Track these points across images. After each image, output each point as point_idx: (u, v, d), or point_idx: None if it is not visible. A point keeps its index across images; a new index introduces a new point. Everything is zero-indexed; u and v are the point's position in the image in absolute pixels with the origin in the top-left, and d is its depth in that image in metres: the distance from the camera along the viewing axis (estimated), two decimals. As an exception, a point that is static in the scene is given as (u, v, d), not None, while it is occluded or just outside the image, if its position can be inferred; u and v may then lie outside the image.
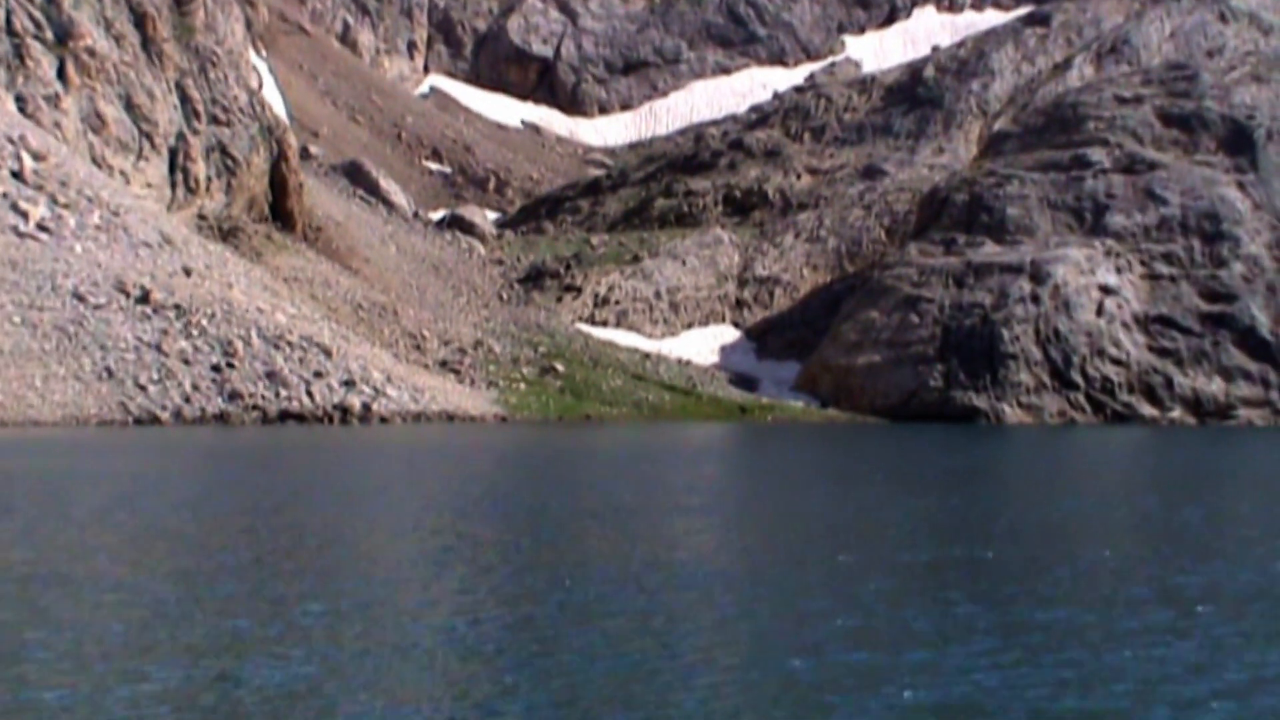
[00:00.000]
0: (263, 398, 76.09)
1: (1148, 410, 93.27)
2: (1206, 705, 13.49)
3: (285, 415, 75.61)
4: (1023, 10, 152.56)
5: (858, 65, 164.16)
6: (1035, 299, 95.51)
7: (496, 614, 17.87)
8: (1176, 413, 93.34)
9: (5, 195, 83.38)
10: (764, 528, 29.03)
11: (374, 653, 15.25)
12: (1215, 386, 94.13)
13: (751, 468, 51.42)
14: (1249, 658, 15.70)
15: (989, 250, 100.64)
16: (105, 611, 17.36)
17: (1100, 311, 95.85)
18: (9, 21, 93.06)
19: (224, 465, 47.54)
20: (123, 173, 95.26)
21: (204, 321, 79.35)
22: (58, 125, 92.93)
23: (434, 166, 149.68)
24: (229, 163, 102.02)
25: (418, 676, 14.26)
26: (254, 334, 79.89)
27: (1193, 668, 15.08)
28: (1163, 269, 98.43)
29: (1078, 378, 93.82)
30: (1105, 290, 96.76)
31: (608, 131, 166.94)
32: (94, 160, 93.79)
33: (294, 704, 12.94)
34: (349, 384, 79.39)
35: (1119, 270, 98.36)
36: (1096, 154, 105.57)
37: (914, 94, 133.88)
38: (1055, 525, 30.51)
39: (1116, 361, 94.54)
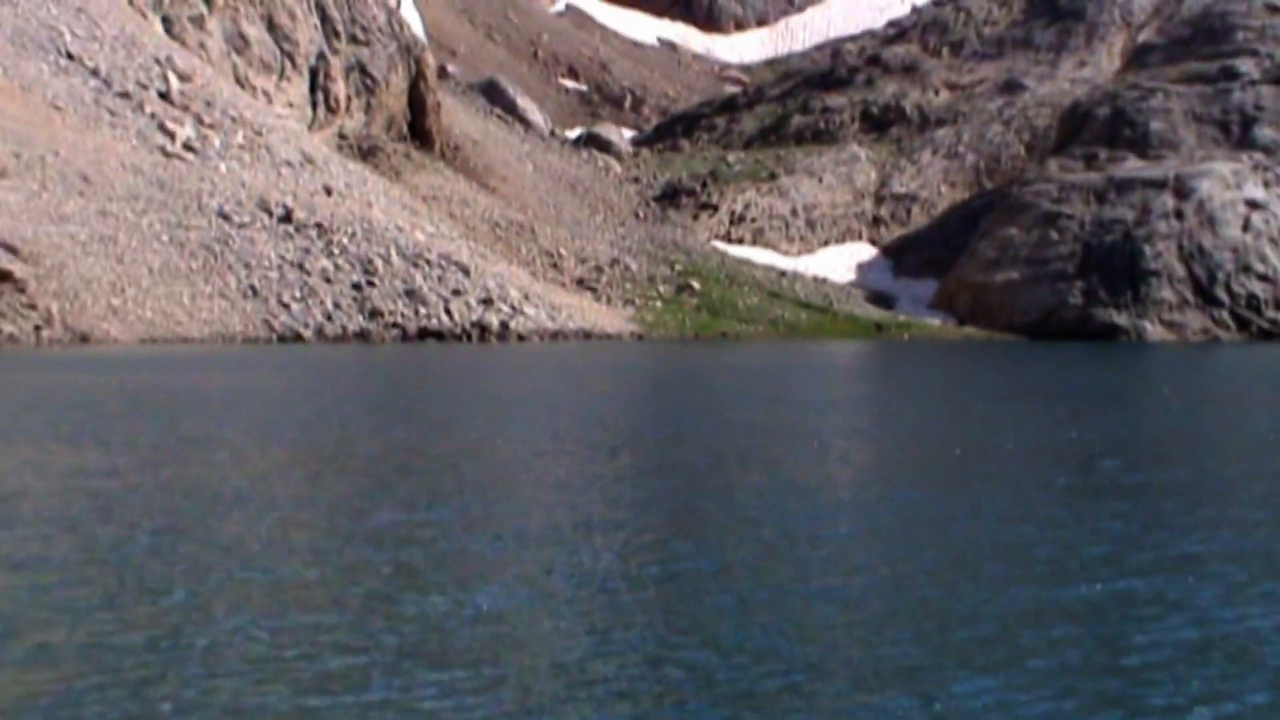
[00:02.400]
0: (402, 315, 76.95)
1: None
2: None
3: (424, 333, 76.43)
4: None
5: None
6: (1179, 215, 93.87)
7: (674, 539, 17.54)
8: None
9: (153, 116, 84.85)
10: (937, 449, 28.26)
11: (555, 583, 15.22)
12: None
13: (904, 386, 50.52)
14: None
15: (1131, 165, 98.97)
16: (289, 532, 17.71)
17: (1246, 227, 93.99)
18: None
19: (377, 382, 48.16)
20: (265, 93, 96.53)
21: (344, 240, 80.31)
22: (202, 46, 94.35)
23: (570, 84, 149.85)
24: (368, 82, 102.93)
25: (597, 604, 14.24)
26: (393, 252, 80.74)
27: None
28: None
29: (1222, 294, 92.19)
30: (1252, 205, 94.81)
31: (744, 48, 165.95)
32: (237, 80, 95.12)
33: (473, 635, 12.93)
34: (487, 302, 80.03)
35: (1266, 184, 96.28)
36: (1245, 65, 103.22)
37: (1055, 6, 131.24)
38: (1251, 443, 29.61)
39: (1263, 278, 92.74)
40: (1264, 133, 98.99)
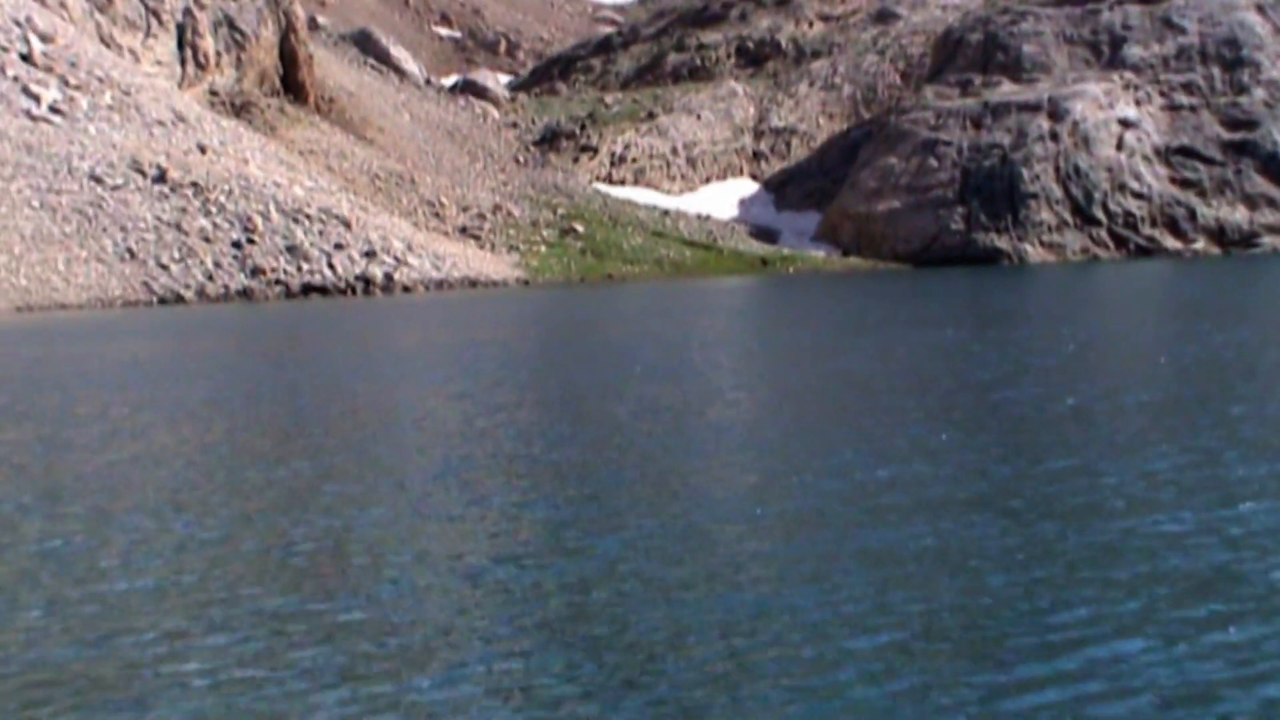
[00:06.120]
0: (285, 272, 76.13)
1: (1171, 243, 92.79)
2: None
3: (308, 289, 75.67)
4: None
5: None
6: (1054, 136, 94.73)
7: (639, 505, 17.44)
8: (1200, 244, 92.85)
9: (16, 79, 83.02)
10: (901, 384, 27.00)
11: (438, 493, 15.23)
12: (1239, 215, 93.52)
13: (818, 320, 48.48)
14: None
15: (1006, 89, 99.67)
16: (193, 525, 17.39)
17: (1120, 145, 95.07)
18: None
19: (266, 342, 47.36)
20: (131, 51, 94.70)
21: (222, 198, 79.19)
22: (63, 5, 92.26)
23: (443, 32, 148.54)
24: (237, 37, 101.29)
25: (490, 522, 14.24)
26: (273, 208, 79.76)
27: None
28: (1182, 99, 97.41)
29: (1099, 214, 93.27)
30: (1125, 124, 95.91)
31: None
32: (102, 40, 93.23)
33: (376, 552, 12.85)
34: (370, 254, 79.32)
35: (1138, 103, 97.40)
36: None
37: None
38: (1211, 361, 28.66)
39: (1138, 195, 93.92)
40: (1133, 51, 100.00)
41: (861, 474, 16.58)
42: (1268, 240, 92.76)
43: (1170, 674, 9.52)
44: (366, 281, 77.19)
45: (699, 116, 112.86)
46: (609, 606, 11.39)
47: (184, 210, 77.49)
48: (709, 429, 21.08)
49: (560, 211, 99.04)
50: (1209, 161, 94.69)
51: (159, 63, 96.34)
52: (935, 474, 16.45)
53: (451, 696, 9.66)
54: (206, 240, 76.23)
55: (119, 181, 77.81)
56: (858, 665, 9.89)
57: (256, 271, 75.54)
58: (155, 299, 71.33)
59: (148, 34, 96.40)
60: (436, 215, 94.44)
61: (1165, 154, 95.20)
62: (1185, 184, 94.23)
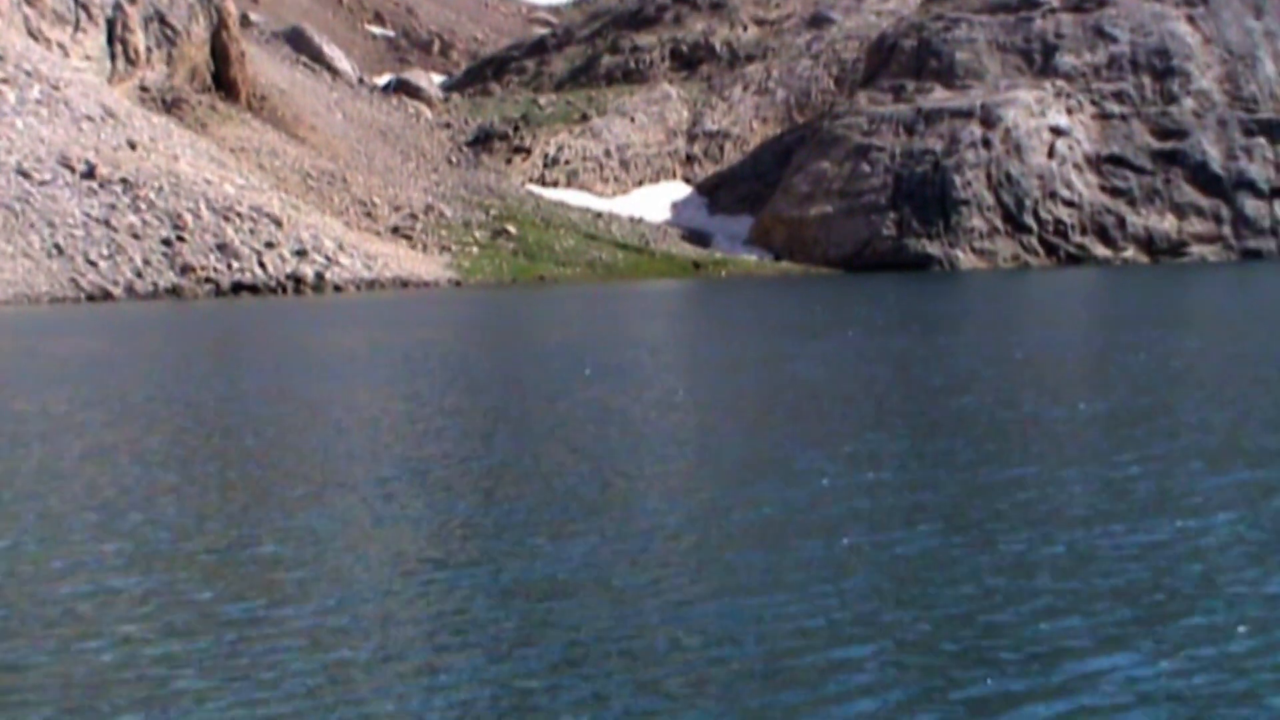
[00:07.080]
0: (215, 270, 75.46)
1: (1101, 251, 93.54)
2: None
3: (238, 287, 75.03)
4: None
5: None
6: (986, 143, 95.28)
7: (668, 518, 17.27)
8: (1130, 252, 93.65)
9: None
10: (878, 390, 26.59)
11: (392, 507, 15.08)
12: (1168, 224, 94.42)
13: (766, 326, 47.43)
14: None
15: (939, 96, 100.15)
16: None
17: (1051, 153, 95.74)
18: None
19: (200, 340, 46.89)
20: (60, 45, 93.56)
21: (152, 195, 78.40)
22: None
23: (377, 30, 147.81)
24: (168, 32, 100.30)
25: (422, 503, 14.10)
26: (203, 206, 79.04)
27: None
28: (1113, 108, 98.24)
29: (1030, 221, 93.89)
30: (1056, 132, 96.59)
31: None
32: (30, 33, 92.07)
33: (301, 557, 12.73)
34: (301, 253, 78.77)
35: (1069, 111, 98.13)
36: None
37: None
38: (1164, 371, 28.42)
39: (1069, 203, 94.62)
40: (1065, 60, 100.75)
41: (815, 482, 16.44)
42: (1196, 249, 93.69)
43: (1138, 686, 9.46)
44: (297, 280, 76.65)
45: (632, 119, 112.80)
46: (563, 615, 11.25)
47: (113, 207, 76.65)
48: (659, 436, 20.91)
49: (493, 212, 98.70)
50: (1139, 170, 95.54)
51: (88, 57, 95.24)
52: (890, 482, 16.40)
53: (400, 703, 9.51)
54: (136, 237, 75.44)
55: (47, 177, 76.89)
56: (818, 677, 9.78)
57: (186, 269, 74.84)
58: (83, 295, 70.51)
59: (77, 28, 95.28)
60: (368, 215, 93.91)
61: (1096, 162, 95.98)
62: (1115, 192, 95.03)
